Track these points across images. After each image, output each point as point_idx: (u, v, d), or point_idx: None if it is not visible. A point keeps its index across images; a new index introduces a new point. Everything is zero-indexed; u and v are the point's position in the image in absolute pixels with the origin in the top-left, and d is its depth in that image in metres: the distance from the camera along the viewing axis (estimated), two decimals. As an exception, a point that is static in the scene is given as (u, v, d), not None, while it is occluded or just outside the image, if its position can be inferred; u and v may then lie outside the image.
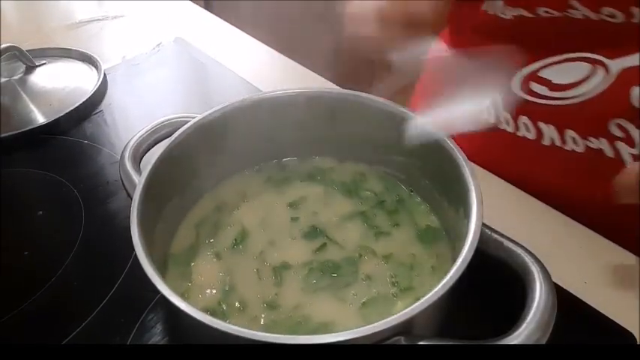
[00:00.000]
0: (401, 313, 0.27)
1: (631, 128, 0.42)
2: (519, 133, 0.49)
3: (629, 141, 0.44)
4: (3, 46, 0.66)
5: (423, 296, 0.28)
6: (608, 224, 0.45)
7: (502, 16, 0.47)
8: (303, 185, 0.45)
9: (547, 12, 0.43)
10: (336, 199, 0.44)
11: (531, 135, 0.48)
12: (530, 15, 0.45)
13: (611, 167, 0.40)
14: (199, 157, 0.42)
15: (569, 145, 0.47)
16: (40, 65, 0.71)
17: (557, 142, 0.48)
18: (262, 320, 0.35)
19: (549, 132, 0.47)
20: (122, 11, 0.87)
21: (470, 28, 0.53)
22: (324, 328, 0.35)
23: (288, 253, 0.40)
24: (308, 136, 0.45)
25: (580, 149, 0.47)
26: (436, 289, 0.28)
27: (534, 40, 0.45)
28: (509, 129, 0.49)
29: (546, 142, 0.48)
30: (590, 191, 0.46)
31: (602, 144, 0.45)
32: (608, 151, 0.45)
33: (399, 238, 0.41)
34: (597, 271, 0.43)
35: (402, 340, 0.27)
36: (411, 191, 0.44)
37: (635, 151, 0.44)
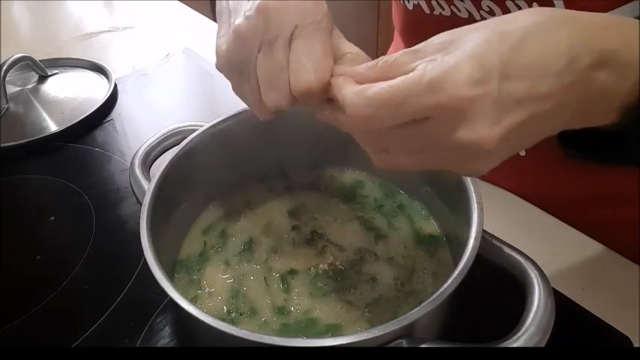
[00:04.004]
0: (403, 317, 0.28)
1: None
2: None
3: None
4: (17, 56, 0.68)
5: (425, 300, 0.28)
6: (604, 229, 0.46)
7: (406, 4, 0.51)
8: (303, 193, 0.46)
9: (438, 3, 0.46)
10: (335, 205, 0.45)
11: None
12: (426, 7, 0.48)
13: None
14: (206, 165, 0.43)
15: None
16: (52, 75, 0.73)
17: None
18: (273, 325, 0.36)
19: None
20: (132, 23, 0.89)
21: (398, 30, 0.58)
22: (334, 330, 0.35)
23: (293, 259, 0.40)
24: (311, 144, 0.46)
25: None
26: (437, 294, 0.29)
27: None
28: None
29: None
30: None
31: None
32: None
33: (399, 242, 0.41)
34: (595, 277, 0.44)
35: (404, 343, 0.28)
36: (412, 198, 0.45)
37: None
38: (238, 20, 0.32)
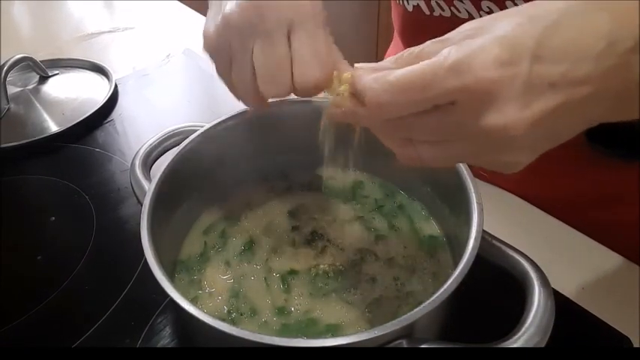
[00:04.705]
0: (403, 317, 0.28)
1: None
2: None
3: None
4: (17, 56, 0.68)
5: (425, 300, 0.28)
6: (604, 228, 0.46)
7: (406, 6, 0.50)
8: (303, 194, 0.46)
9: (438, 4, 0.46)
10: (335, 205, 0.45)
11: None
12: (426, 8, 0.47)
13: None
14: (207, 166, 0.43)
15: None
16: (53, 75, 0.73)
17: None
18: (273, 325, 0.36)
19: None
20: (132, 23, 0.89)
21: (397, 31, 0.58)
22: (334, 330, 0.35)
23: (293, 259, 0.41)
24: (310, 145, 0.46)
25: None
26: (437, 294, 0.29)
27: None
28: None
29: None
30: None
31: None
32: None
33: (399, 242, 0.42)
34: (595, 277, 0.44)
35: (404, 344, 0.28)
36: (412, 198, 0.45)
37: None
38: (230, 7, 0.32)
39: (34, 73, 0.73)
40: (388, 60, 0.28)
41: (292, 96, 0.34)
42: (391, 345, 0.28)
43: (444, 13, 0.47)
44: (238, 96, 0.36)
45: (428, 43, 0.26)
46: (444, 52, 0.24)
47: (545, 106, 0.23)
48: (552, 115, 0.23)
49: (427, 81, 0.23)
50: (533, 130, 0.24)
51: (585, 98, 0.24)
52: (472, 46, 0.23)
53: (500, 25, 0.24)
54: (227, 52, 0.33)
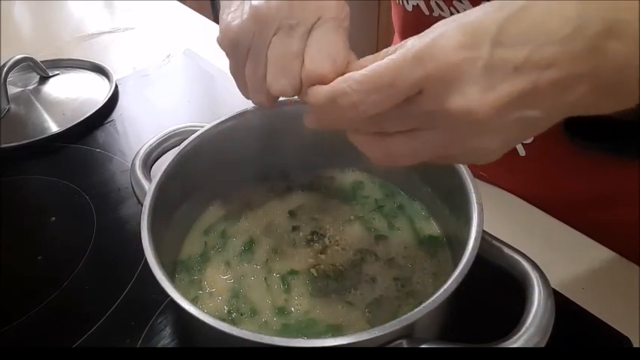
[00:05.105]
0: (403, 317, 0.28)
1: None
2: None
3: None
4: (18, 57, 0.68)
5: (426, 300, 0.28)
6: (604, 229, 0.46)
7: (405, 6, 0.50)
8: (304, 194, 0.46)
9: (437, 4, 0.46)
10: (335, 205, 0.45)
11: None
12: (425, 9, 0.47)
13: None
14: (207, 166, 0.43)
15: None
16: (53, 76, 0.73)
17: None
18: (273, 325, 0.36)
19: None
20: (133, 24, 0.89)
21: (397, 31, 0.58)
22: (334, 331, 0.35)
23: (293, 259, 0.41)
24: (310, 145, 0.46)
25: None
26: (437, 294, 0.29)
27: None
28: None
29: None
30: None
31: None
32: None
33: (399, 242, 0.42)
34: (595, 277, 0.44)
35: (404, 344, 0.28)
36: (412, 199, 0.45)
37: None
38: (258, 1, 0.32)
39: (34, 74, 0.73)
40: (368, 58, 0.28)
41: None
42: (391, 345, 0.28)
43: (443, 14, 0.47)
44: (247, 93, 0.35)
45: (405, 40, 0.26)
46: (408, 44, 0.24)
47: (510, 89, 0.23)
48: (520, 99, 0.23)
49: (393, 75, 0.24)
50: (499, 114, 0.23)
51: (554, 83, 0.23)
52: (434, 34, 0.23)
53: (467, 14, 0.24)
54: (247, 46, 0.33)
